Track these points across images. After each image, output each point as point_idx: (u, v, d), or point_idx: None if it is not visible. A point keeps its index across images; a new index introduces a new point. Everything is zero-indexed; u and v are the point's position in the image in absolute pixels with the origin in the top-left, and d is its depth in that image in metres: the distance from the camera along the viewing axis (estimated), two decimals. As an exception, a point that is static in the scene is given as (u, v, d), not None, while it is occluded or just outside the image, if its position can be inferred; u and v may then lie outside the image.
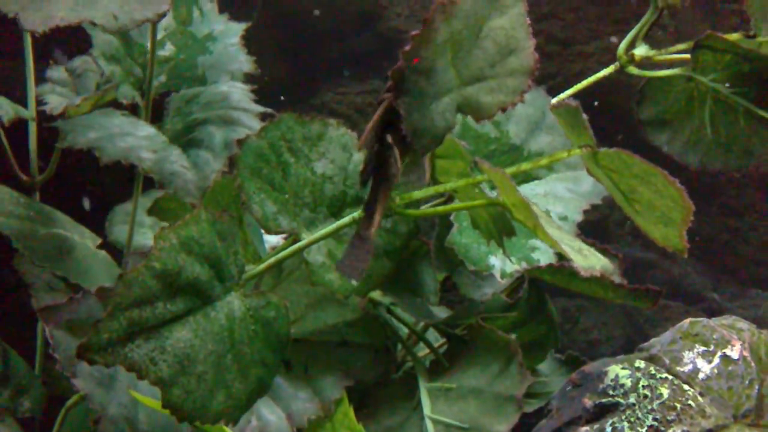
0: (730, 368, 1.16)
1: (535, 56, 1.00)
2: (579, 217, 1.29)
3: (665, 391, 1.13)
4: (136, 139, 1.32)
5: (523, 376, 1.10)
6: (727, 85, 1.16)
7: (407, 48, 0.95)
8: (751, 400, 1.14)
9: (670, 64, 1.20)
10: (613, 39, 1.84)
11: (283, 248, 1.11)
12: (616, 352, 1.80)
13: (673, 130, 1.22)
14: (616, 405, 1.13)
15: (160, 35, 1.47)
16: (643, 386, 1.13)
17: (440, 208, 1.15)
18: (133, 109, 1.42)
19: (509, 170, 1.02)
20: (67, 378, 1.09)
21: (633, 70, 1.20)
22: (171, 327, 0.97)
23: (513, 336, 1.18)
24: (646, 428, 1.10)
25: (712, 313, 1.78)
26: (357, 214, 1.05)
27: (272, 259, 1.08)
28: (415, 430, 1.12)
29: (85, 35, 1.43)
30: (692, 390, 1.14)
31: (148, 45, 1.42)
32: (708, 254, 1.94)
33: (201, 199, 1.26)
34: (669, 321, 1.79)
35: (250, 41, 1.50)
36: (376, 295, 1.21)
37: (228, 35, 1.50)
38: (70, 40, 1.46)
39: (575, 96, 1.19)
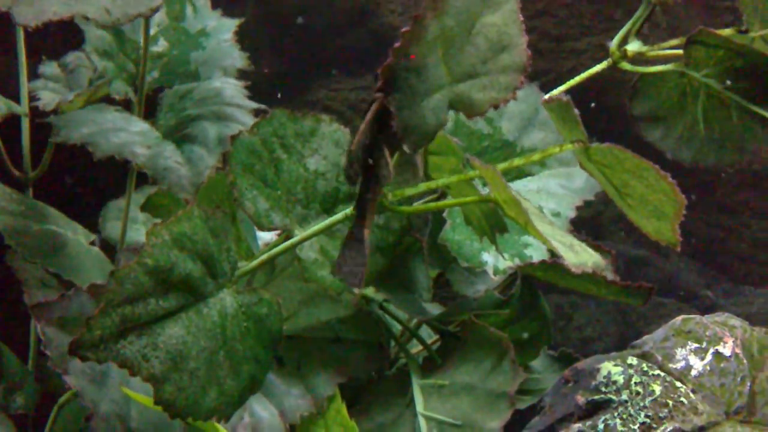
0: (722, 365, 1.16)
1: (528, 53, 1.00)
2: (572, 213, 1.29)
3: (657, 388, 1.13)
4: (129, 135, 1.32)
5: (515, 372, 1.10)
6: (724, 82, 1.16)
7: (397, 45, 0.95)
8: (743, 397, 1.15)
9: (663, 60, 1.19)
10: (606, 36, 1.84)
11: (276, 245, 1.10)
12: (609, 349, 1.80)
13: (667, 125, 1.22)
14: (609, 402, 1.13)
15: (153, 31, 1.47)
16: (635, 383, 1.13)
17: (432, 205, 1.14)
18: (126, 105, 1.41)
19: (501, 166, 1.02)
20: (59, 375, 1.09)
21: (626, 66, 1.20)
22: (163, 323, 0.97)
23: (505, 333, 1.18)
24: (638, 425, 1.10)
25: (705, 310, 1.78)
26: (349, 210, 1.04)
27: (265, 256, 1.08)
28: (408, 427, 1.12)
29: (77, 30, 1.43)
30: (684, 387, 1.14)
31: (141, 40, 1.42)
32: (701, 251, 1.94)
33: (195, 195, 1.26)
34: (662, 318, 1.79)
35: (243, 37, 1.50)
36: (369, 291, 1.21)
37: (221, 31, 1.50)
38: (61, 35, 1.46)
39: (568, 92, 1.19)
